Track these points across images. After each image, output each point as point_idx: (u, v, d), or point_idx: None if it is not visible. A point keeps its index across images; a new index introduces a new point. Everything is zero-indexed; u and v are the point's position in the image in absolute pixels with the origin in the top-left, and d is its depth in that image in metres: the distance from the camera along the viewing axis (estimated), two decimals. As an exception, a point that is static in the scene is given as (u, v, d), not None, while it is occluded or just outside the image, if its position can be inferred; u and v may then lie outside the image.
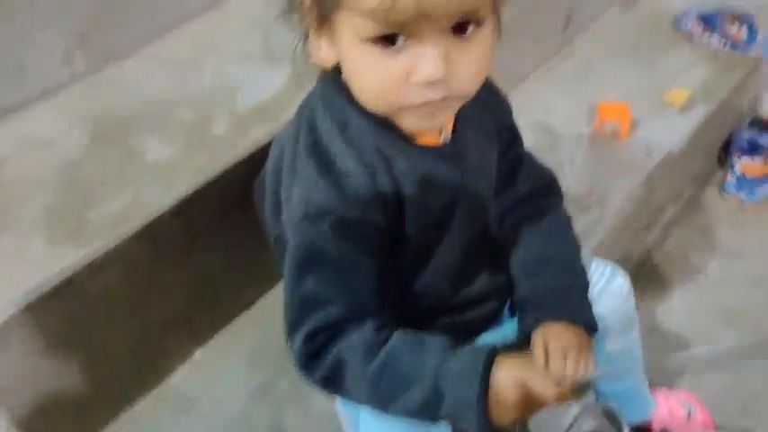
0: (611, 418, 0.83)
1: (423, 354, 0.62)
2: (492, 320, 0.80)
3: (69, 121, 0.95)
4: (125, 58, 1.04)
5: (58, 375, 0.81)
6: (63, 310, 0.78)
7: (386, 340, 0.63)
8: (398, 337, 0.63)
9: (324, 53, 0.62)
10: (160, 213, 0.83)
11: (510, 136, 0.79)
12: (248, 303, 0.99)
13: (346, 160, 0.62)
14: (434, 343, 0.63)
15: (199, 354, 0.95)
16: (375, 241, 0.64)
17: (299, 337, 0.63)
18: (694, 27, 1.42)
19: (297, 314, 0.64)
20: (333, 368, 0.62)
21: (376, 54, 0.57)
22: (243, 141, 0.91)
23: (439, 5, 0.54)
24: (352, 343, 0.62)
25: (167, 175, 0.88)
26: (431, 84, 0.57)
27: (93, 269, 0.79)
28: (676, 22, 1.44)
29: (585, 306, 0.77)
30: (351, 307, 0.63)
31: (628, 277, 0.86)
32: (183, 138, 0.93)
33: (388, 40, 0.56)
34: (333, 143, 0.63)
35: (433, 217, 0.68)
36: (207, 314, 0.95)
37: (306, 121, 0.66)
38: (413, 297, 0.72)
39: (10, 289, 0.75)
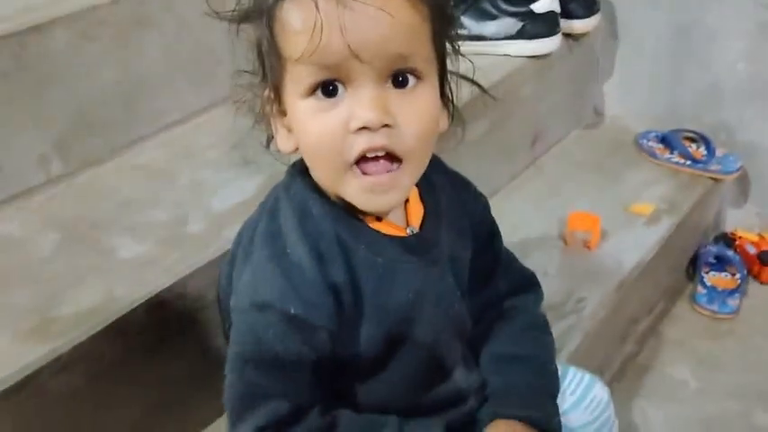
0: None
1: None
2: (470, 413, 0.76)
3: (41, 222, 0.95)
4: (101, 164, 1.05)
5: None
6: (25, 408, 0.74)
7: (333, 423, 0.61)
8: (347, 417, 0.62)
9: (283, 138, 0.63)
10: (130, 309, 0.81)
11: (487, 232, 0.79)
12: (220, 411, 0.95)
13: (300, 251, 0.62)
14: (386, 420, 0.61)
15: (162, 465, 0.90)
16: (323, 337, 0.62)
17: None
18: (655, 146, 1.49)
19: (241, 407, 0.62)
20: None
21: (316, 107, 0.58)
22: (216, 241, 0.91)
23: (369, 43, 0.56)
24: None
25: (139, 272, 0.87)
26: (370, 131, 0.57)
27: (59, 366, 0.76)
28: (638, 142, 1.51)
29: (550, 409, 0.75)
30: (296, 403, 0.61)
31: (606, 388, 0.85)
32: (156, 237, 0.92)
33: (327, 92, 0.58)
34: (290, 232, 0.63)
35: (394, 314, 0.65)
36: (175, 420, 0.90)
37: (268, 209, 0.66)
38: (369, 401, 0.69)
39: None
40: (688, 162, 1.44)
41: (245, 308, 0.62)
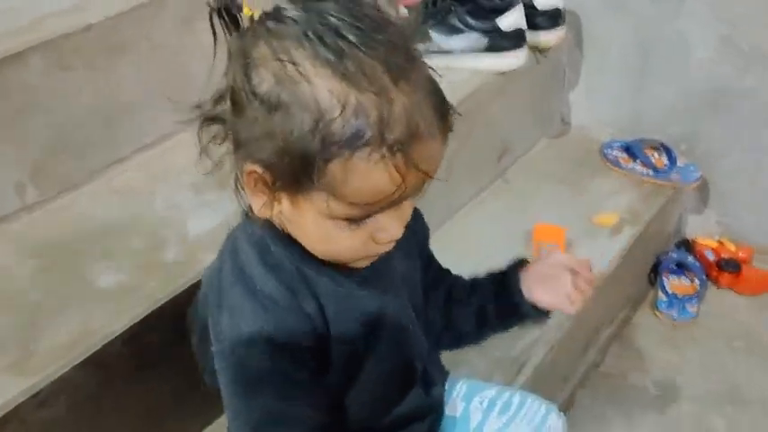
0: None
1: None
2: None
3: (17, 249, 0.96)
4: (77, 188, 1.07)
5: None
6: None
7: None
8: None
9: (265, 207, 0.63)
10: (108, 342, 0.84)
11: (428, 253, 0.86)
12: (204, 424, 0.98)
13: (268, 284, 0.65)
14: None
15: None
16: (308, 359, 0.66)
17: None
18: (619, 155, 1.54)
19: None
20: None
21: (342, 227, 0.61)
22: (193, 267, 0.93)
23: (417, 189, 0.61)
24: None
25: (117, 301, 0.89)
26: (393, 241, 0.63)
27: (39, 400, 0.78)
28: (602, 152, 1.56)
29: None
30: (310, 425, 0.66)
31: (562, 416, 0.91)
32: (133, 264, 0.95)
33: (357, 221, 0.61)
34: (255, 269, 0.66)
35: (357, 340, 0.70)
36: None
37: (228, 252, 0.69)
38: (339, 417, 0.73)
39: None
40: (650, 172, 1.49)
41: (234, 347, 0.64)
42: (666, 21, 1.48)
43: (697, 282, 1.48)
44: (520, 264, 0.84)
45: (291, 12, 0.59)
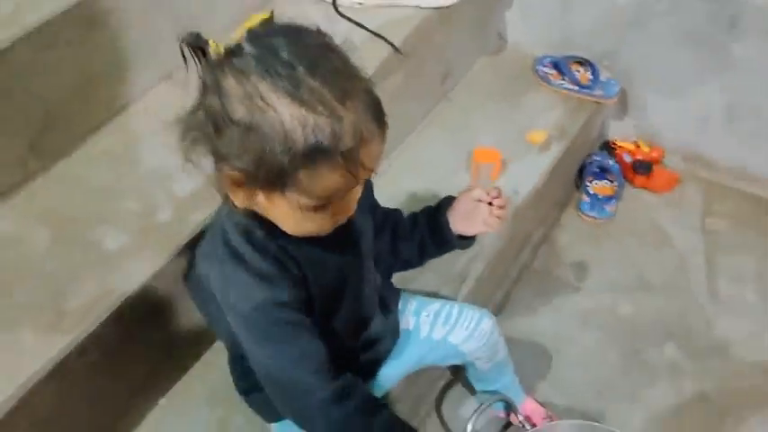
0: (504, 400, 1.17)
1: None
2: (387, 355, 1.07)
3: (30, 219, 1.12)
4: (69, 155, 1.20)
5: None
6: (60, 388, 0.96)
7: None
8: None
9: (242, 199, 0.79)
10: (125, 298, 1.02)
11: (374, 203, 1.03)
12: (197, 356, 1.20)
13: (260, 263, 0.82)
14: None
15: (163, 401, 1.15)
16: (302, 309, 0.86)
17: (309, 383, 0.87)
18: (549, 72, 1.70)
19: (292, 374, 0.86)
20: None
21: (309, 213, 0.78)
22: (187, 227, 1.10)
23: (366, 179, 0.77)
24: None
25: (124, 263, 1.06)
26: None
27: (78, 351, 0.97)
28: (534, 68, 1.71)
29: None
30: (319, 358, 0.87)
31: (493, 317, 1.14)
32: (131, 228, 1.11)
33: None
34: (246, 253, 0.83)
35: (331, 288, 0.91)
36: (167, 369, 1.15)
37: (221, 242, 0.85)
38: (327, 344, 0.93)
39: (9, 379, 0.93)
40: (576, 87, 1.66)
41: (244, 316, 0.84)
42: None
43: (616, 183, 1.70)
44: (448, 202, 1.04)
45: (249, 49, 0.73)
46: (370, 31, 1.43)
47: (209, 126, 0.74)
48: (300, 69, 0.71)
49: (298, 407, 0.89)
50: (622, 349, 1.44)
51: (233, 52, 0.74)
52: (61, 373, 0.96)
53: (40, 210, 1.13)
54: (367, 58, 1.23)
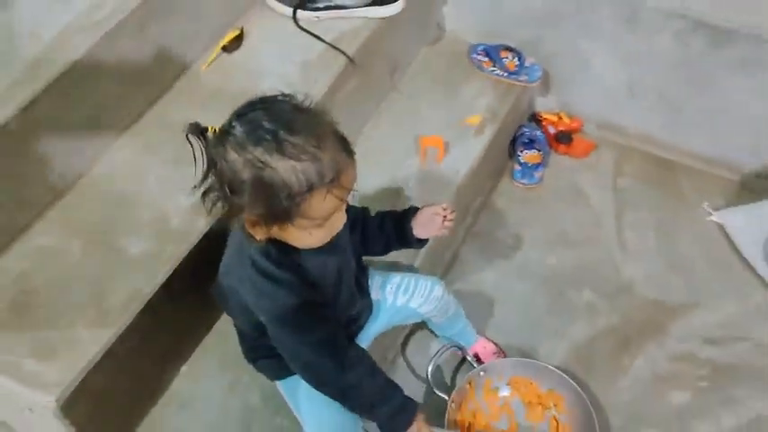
0: (457, 345, 1.50)
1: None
2: (365, 324, 1.39)
3: (65, 232, 1.37)
4: (87, 172, 1.45)
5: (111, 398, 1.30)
6: (107, 369, 1.24)
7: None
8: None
9: (260, 234, 1.05)
10: (152, 295, 1.30)
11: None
12: (208, 329, 1.49)
13: (282, 275, 1.10)
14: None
15: (184, 368, 1.45)
16: (320, 303, 1.16)
17: (330, 358, 1.16)
18: (482, 59, 1.97)
19: (320, 349, 1.15)
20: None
21: (312, 231, 1.05)
22: (194, 232, 1.37)
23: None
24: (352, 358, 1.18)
25: (147, 265, 1.33)
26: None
27: (121, 338, 1.26)
28: (469, 55, 1.98)
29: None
30: (339, 332, 1.18)
31: (442, 284, 1.45)
32: (149, 234, 1.38)
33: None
34: (270, 269, 1.10)
35: (332, 284, 1.21)
36: (186, 343, 1.45)
37: (248, 263, 1.10)
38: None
39: (72, 365, 1.21)
40: (505, 74, 1.94)
41: (279, 318, 1.12)
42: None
43: (542, 152, 2.01)
44: (412, 212, 1.33)
45: (238, 126, 0.98)
46: (328, 44, 1.68)
47: (224, 189, 1.00)
48: (281, 132, 0.96)
49: (321, 378, 1.19)
50: (549, 295, 1.77)
51: (227, 131, 0.98)
52: (108, 357, 1.24)
53: (72, 224, 1.38)
54: (327, 66, 1.53)
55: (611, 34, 1.84)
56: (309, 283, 1.13)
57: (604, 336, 1.70)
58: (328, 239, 1.10)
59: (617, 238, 1.87)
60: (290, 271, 1.11)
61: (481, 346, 1.63)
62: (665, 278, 1.79)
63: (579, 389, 1.49)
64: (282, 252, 1.11)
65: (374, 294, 1.42)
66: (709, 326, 1.70)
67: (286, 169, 0.96)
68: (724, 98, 1.82)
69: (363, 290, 1.38)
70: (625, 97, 1.96)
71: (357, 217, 1.33)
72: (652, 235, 1.87)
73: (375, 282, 1.43)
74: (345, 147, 1.03)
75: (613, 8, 1.78)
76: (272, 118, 0.97)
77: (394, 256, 1.51)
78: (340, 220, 1.09)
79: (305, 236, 1.06)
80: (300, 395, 1.30)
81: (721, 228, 1.86)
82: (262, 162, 0.96)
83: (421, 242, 1.35)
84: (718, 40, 1.72)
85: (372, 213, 1.36)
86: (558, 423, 1.52)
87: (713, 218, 1.87)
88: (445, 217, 1.32)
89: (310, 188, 0.98)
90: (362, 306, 1.36)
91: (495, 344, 1.64)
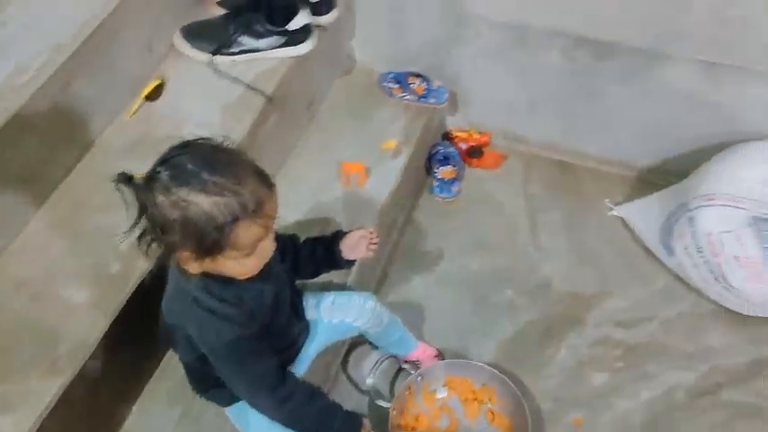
0: (393, 354, 1.61)
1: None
2: (303, 345, 1.48)
3: (9, 286, 1.42)
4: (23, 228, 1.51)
5: None
6: (60, 421, 1.31)
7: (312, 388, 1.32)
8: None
9: (194, 267, 1.13)
10: (98, 340, 1.37)
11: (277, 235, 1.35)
12: (155, 366, 1.56)
13: (223, 309, 1.19)
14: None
15: (135, 407, 1.52)
16: (258, 334, 1.24)
17: (266, 394, 1.26)
18: (392, 86, 2.10)
19: (257, 383, 1.25)
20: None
21: (244, 260, 1.14)
22: (133, 274, 1.45)
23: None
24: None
25: (92, 311, 1.40)
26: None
27: (73, 387, 1.32)
28: (380, 83, 2.11)
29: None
30: (275, 365, 1.27)
31: (374, 297, 1.57)
32: (92, 280, 1.44)
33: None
34: (211, 304, 1.18)
35: (271, 311, 1.29)
36: (135, 383, 1.52)
37: (190, 300, 1.18)
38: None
39: (29, 409, 1.27)
40: (414, 98, 2.08)
41: (224, 347, 1.19)
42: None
43: (457, 167, 2.15)
44: (340, 236, 1.44)
45: (163, 171, 1.06)
46: (247, 85, 1.78)
47: (156, 230, 1.09)
48: (204, 174, 1.06)
49: (262, 409, 1.29)
50: (474, 298, 1.90)
51: (153, 177, 1.05)
52: (62, 404, 1.30)
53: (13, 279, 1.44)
54: (247, 107, 1.62)
55: (505, 54, 2.00)
56: (249, 313, 1.22)
57: (528, 330, 1.84)
58: (260, 267, 1.19)
59: (531, 240, 2.03)
60: (230, 304, 1.19)
61: (422, 351, 1.74)
62: (578, 272, 1.95)
63: (509, 381, 1.62)
64: (221, 285, 1.19)
65: (310, 315, 1.52)
66: (621, 311, 1.87)
67: (210, 205, 1.05)
68: (611, 104, 2.00)
69: (299, 313, 1.47)
70: (526, 110, 2.12)
71: (287, 244, 1.43)
72: (563, 234, 2.04)
73: (309, 303, 1.53)
74: (264, 180, 1.13)
75: (504, 32, 1.94)
76: (194, 160, 1.06)
77: (326, 276, 1.62)
78: (268, 248, 1.18)
79: (237, 266, 1.15)
80: (250, 419, 1.39)
81: (623, 221, 2.04)
82: (187, 201, 1.05)
83: (350, 263, 1.46)
84: (601, 53, 1.90)
85: (302, 239, 1.46)
86: (493, 414, 1.65)
87: (614, 212, 2.05)
88: (371, 240, 1.43)
89: (235, 219, 1.07)
90: (299, 329, 1.46)
91: (436, 348, 1.76)
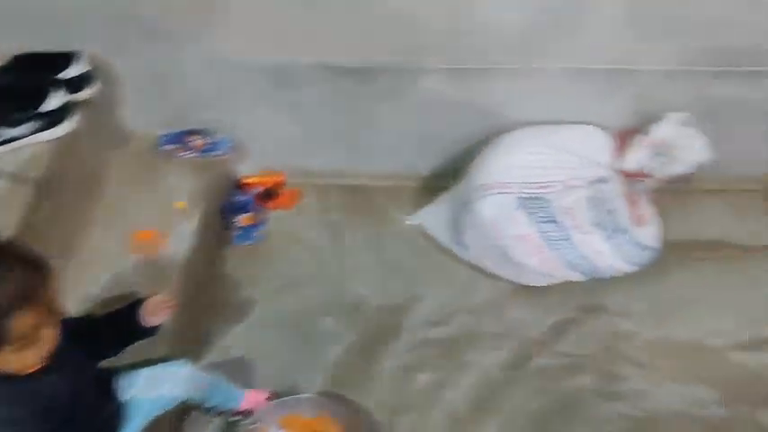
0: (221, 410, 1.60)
1: None
2: (119, 428, 1.45)
3: None
4: None
5: None
6: None
7: None
8: None
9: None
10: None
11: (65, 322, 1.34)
12: None
13: (11, 414, 1.16)
14: None
15: None
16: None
17: None
18: (171, 147, 2.11)
19: None
20: None
21: (24, 352, 1.12)
22: None
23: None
24: None
25: None
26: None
27: None
28: (159, 147, 2.11)
29: None
30: None
31: (188, 365, 1.57)
32: None
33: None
34: None
35: (67, 403, 1.25)
36: None
37: None
38: None
39: None
40: (197, 154, 2.10)
41: None
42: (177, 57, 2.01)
43: (255, 212, 2.18)
44: (139, 305, 1.43)
45: None
46: (12, 175, 1.72)
47: None
48: None
49: None
50: (296, 334, 1.94)
51: None
52: None
53: None
54: (15, 196, 1.63)
55: (274, 94, 2.07)
56: (42, 412, 1.18)
57: (352, 351, 1.90)
58: (43, 356, 1.16)
59: (340, 265, 2.10)
60: (14, 405, 1.16)
61: (254, 398, 1.75)
62: (388, 284, 2.05)
63: (340, 403, 1.67)
64: (6, 385, 1.15)
65: (125, 396, 1.49)
66: (432, 311, 1.99)
67: None
68: (384, 123, 2.13)
69: (110, 396, 1.44)
70: (307, 144, 2.21)
71: (80, 326, 1.39)
72: (367, 252, 2.13)
73: (122, 384, 1.50)
74: (37, 266, 1.12)
75: (268, 73, 2.01)
76: None
77: (140, 353, 1.59)
78: (50, 336, 1.16)
79: (17, 359, 1.12)
80: None
81: (419, 228, 2.16)
82: None
83: (154, 329, 1.45)
84: (363, 78, 2.02)
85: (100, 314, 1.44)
86: (335, 438, 1.70)
87: (409, 222, 2.17)
88: (168, 304, 1.45)
89: (9, 308, 1.06)
90: (108, 413, 1.43)
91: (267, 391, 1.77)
